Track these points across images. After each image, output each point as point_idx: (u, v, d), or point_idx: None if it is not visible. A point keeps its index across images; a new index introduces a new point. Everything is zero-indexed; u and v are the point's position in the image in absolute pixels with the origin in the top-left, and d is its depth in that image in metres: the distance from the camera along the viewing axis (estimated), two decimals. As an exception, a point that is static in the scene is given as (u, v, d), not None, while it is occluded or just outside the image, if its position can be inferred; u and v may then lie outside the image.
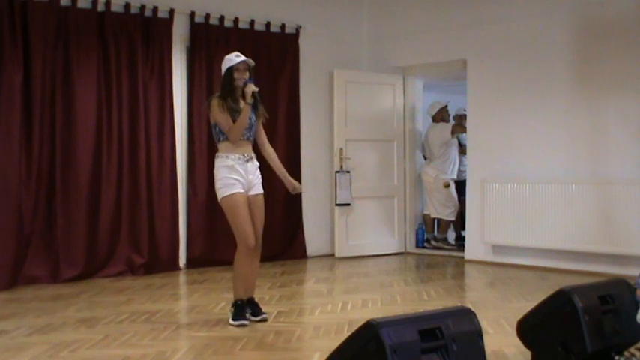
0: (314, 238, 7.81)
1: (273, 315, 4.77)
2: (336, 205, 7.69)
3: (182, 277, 6.53)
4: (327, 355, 2.75)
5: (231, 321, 4.46)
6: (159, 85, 6.64)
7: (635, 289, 3.44)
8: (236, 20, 7.15)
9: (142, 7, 6.56)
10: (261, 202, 4.62)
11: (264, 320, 4.55)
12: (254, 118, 4.57)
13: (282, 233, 7.52)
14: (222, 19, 7.06)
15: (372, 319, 2.56)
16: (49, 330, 4.34)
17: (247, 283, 4.58)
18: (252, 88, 4.47)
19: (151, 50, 6.59)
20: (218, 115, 4.46)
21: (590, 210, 6.47)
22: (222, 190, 4.45)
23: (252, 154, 4.58)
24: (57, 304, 5.14)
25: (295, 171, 7.61)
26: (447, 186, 8.15)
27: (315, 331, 4.36)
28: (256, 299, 4.69)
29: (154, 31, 6.59)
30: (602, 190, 6.41)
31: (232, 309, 4.52)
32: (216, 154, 4.55)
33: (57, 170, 6.09)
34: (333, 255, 7.79)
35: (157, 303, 5.21)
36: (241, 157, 4.48)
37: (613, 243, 6.32)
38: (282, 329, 4.36)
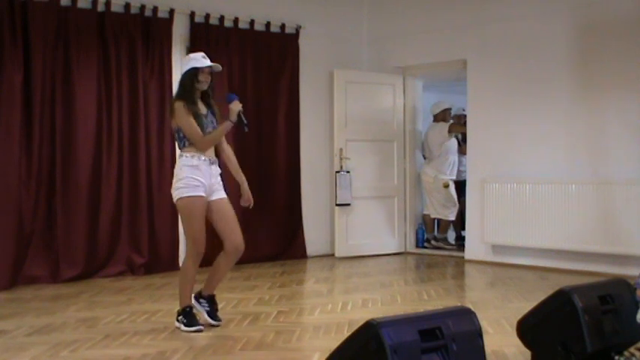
0: (314, 238, 7.80)
1: (273, 315, 4.77)
2: (336, 205, 7.69)
3: (182, 277, 6.52)
4: (327, 355, 2.75)
5: (185, 328, 4.30)
6: (159, 85, 6.64)
7: (635, 289, 3.44)
8: (236, 20, 7.15)
9: (142, 7, 6.56)
10: (225, 204, 4.42)
11: (217, 326, 4.41)
12: (216, 122, 4.40)
13: (282, 233, 7.52)
14: (222, 19, 7.06)
15: (372, 319, 2.56)
16: (49, 330, 4.33)
17: (209, 282, 4.52)
18: (238, 107, 4.31)
19: (151, 50, 6.59)
20: (184, 120, 4.24)
21: (590, 210, 6.46)
22: (182, 190, 4.24)
23: (216, 159, 4.43)
24: (57, 304, 5.14)
25: (295, 171, 7.63)
26: (447, 186, 8.15)
27: (315, 331, 4.36)
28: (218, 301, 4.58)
29: (154, 31, 6.59)
30: (602, 190, 6.40)
31: (182, 318, 4.35)
32: (180, 154, 4.37)
33: (57, 170, 6.09)
34: (333, 255, 7.78)
35: (156, 303, 5.22)
36: (207, 159, 4.33)
37: (613, 243, 6.31)
38: (282, 329, 4.36)
